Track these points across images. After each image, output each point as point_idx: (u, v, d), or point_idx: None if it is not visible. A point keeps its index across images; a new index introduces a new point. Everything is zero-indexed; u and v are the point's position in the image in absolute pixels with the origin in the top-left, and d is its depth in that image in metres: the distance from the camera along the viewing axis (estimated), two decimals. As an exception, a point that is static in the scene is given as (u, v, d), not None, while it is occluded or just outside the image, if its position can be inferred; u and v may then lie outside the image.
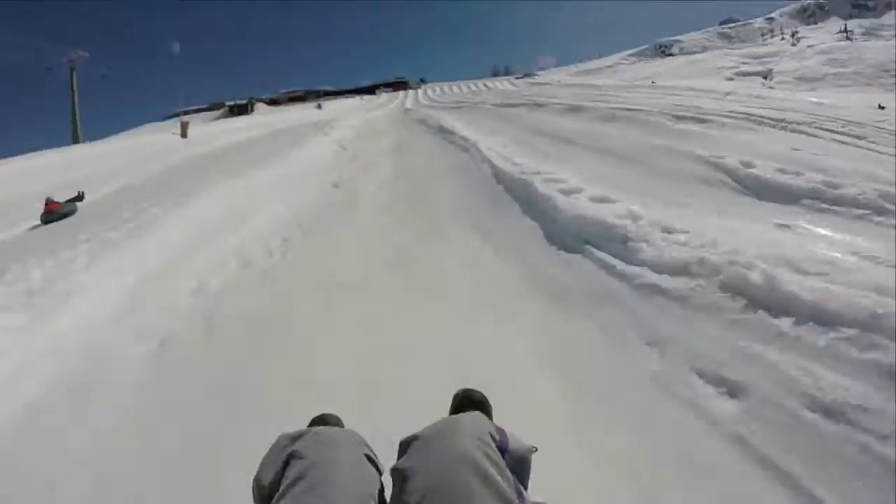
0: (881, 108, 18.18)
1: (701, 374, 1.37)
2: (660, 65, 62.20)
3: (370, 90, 52.66)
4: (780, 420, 1.17)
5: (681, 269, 1.78)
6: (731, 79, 54.83)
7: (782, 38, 70.01)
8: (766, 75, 58.72)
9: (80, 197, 6.38)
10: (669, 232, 2.19)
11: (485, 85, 47.93)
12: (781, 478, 1.10)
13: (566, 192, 3.24)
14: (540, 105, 14.89)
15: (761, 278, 1.53)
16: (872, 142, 6.92)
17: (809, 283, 1.52)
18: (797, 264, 1.69)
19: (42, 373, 1.96)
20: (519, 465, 0.85)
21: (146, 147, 14.33)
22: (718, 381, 1.33)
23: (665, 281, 1.78)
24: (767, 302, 1.47)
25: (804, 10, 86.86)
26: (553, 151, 6.60)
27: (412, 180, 6.06)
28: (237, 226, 4.05)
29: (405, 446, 0.80)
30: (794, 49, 66.63)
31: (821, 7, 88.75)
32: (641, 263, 1.97)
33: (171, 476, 1.33)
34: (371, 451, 0.86)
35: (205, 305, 2.54)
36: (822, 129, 8.41)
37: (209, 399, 1.68)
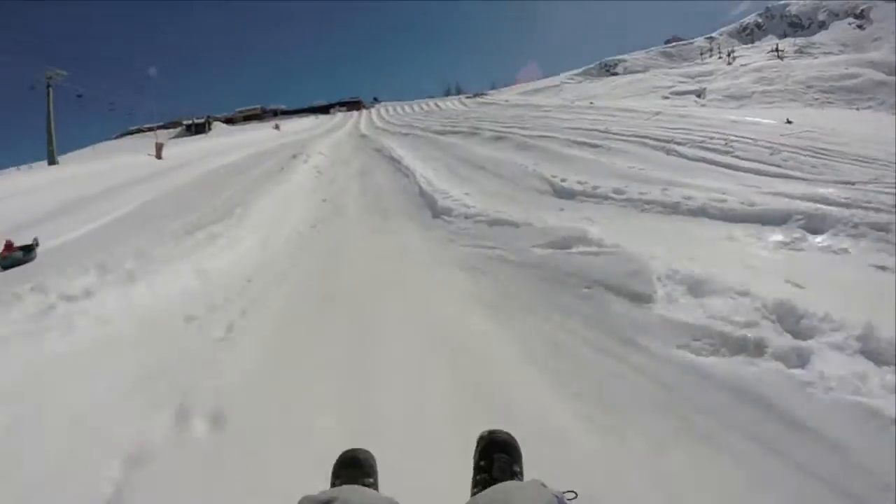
0: (789, 122, 24.98)
1: (456, 237, 5.88)
2: (603, 84, 69.31)
3: (325, 109, 57.45)
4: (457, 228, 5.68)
5: (464, 215, 6.30)
6: (666, 97, 61.92)
7: (720, 57, 79.05)
8: (699, 94, 66.52)
9: (34, 244, 6.89)
10: (468, 208, 6.73)
11: (436, 105, 53.37)
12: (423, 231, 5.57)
13: (445, 198, 7.77)
14: (475, 132, 19.56)
15: (475, 211, 6.06)
16: (735, 156, 11.49)
17: (489, 212, 6.04)
18: (497, 209, 6.21)
19: (248, 257, 6.23)
20: None
21: (139, 169, 18.00)
22: (451, 229, 5.83)
23: (458, 219, 6.28)
24: (474, 217, 6.01)
25: (743, 29, 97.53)
26: (467, 175, 11.14)
27: (373, 195, 10.48)
28: (284, 220, 8.34)
29: None
30: (728, 68, 74.96)
31: (759, 26, 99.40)
32: (455, 217, 6.48)
33: (315, 262, 5.67)
34: None
35: (294, 241, 6.88)
36: (701, 147, 13.05)
37: (308, 258, 6.02)
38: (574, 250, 3.43)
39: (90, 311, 3.20)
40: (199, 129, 43.91)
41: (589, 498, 1.25)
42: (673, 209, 6.47)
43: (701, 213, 6.15)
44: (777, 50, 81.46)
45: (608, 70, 78.28)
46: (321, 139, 24.76)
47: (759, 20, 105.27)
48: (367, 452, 1.24)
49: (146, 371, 2.55)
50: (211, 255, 5.41)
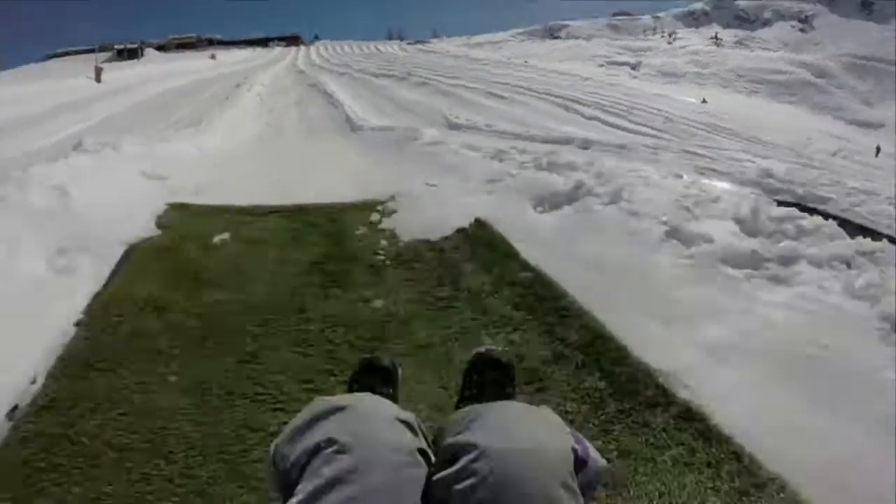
0: (704, 102, 29.28)
1: (361, 139, 9.46)
2: (544, 46, 72.69)
3: (263, 42, 57.94)
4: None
5: (370, 129, 9.87)
6: (602, 66, 66.19)
7: (662, 36, 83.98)
8: (635, 66, 71.17)
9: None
10: (374, 126, 10.30)
11: (376, 48, 55.10)
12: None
13: (364, 122, 11.28)
14: (406, 77, 22.74)
15: (377, 126, 9.67)
16: (629, 120, 15.43)
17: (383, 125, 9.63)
18: (390, 124, 9.81)
19: (223, 147, 9.54)
20: (589, 485, 0.84)
21: (82, 91, 20.00)
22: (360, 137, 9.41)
23: (366, 132, 9.85)
24: (375, 129, 9.60)
25: (691, 13, 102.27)
26: (389, 111, 14.53)
27: (307, 120, 13.74)
28: (240, 134, 11.55)
29: (455, 455, 0.76)
30: (667, 47, 79.92)
31: (706, 13, 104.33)
32: (365, 131, 10.02)
33: (271, 152, 9.09)
34: (424, 437, 0.86)
35: (251, 145, 10.21)
36: (603, 110, 17.05)
37: (265, 151, 9.42)
38: (406, 133, 7.16)
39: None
40: (131, 54, 43.96)
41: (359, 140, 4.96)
42: (517, 137, 10.26)
43: (529, 138, 9.98)
44: (716, 37, 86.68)
45: (552, 34, 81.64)
46: (260, 72, 27.07)
47: (707, 8, 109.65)
48: (390, 361, 1.25)
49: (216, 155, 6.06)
50: (199, 142, 8.70)
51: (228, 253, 3.03)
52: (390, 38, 76.18)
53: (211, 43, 57.07)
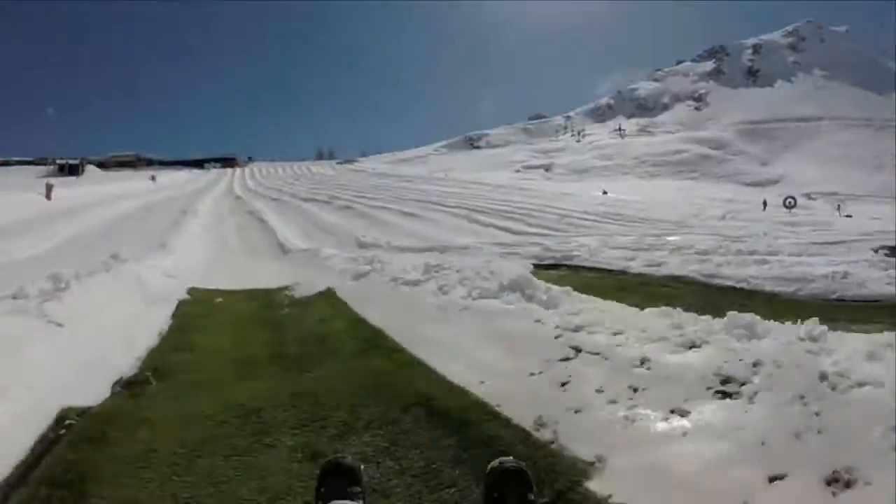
0: (605, 193, 35.06)
1: (291, 259, 14.40)
2: (464, 157, 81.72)
3: (199, 164, 63.90)
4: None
5: (298, 251, 14.86)
6: (518, 171, 74.93)
7: (572, 135, 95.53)
8: (548, 168, 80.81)
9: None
10: (301, 248, 15.34)
11: (308, 168, 61.93)
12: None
13: (293, 246, 16.34)
14: (331, 201, 28.15)
15: (303, 248, 14.68)
16: (526, 223, 20.54)
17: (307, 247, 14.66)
18: (313, 246, 14.83)
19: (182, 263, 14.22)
20: None
21: (34, 207, 24.19)
22: (290, 257, 14.36)
23: (295, 253, 14.81)
24: (301, 250, 14.59)
25: (597, 109, 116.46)
26: (314, 235, 19.69)
27: (248, 244, 18.64)
28: (196, 254, 16.29)
29: None
30: (577, 145, 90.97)
31: (610, 107, 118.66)
32: (294, 252, 15.00)
33: (221, 268, 13.83)
34: None
35: (203, 264, 14.95)
36: (502, 216, 22.02)
37: (215, 268, 14.17)
38: (313, 252, 12.21)
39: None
40: (72, 170, 48.21)
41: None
42: (400, 249, 15.48)
43: (408, 249, 15.18)
44: (619, 129, 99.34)
45: (472, 144, 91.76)
46: (201, 196, 32.09)
47: (612, 102, 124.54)
48: (352, 459, 1.40)
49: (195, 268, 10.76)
50: (173, 259, 13.34)
51: (225, 303, 7.84)
52: (321, 157, 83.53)
53: (149, 163, 62.62)
